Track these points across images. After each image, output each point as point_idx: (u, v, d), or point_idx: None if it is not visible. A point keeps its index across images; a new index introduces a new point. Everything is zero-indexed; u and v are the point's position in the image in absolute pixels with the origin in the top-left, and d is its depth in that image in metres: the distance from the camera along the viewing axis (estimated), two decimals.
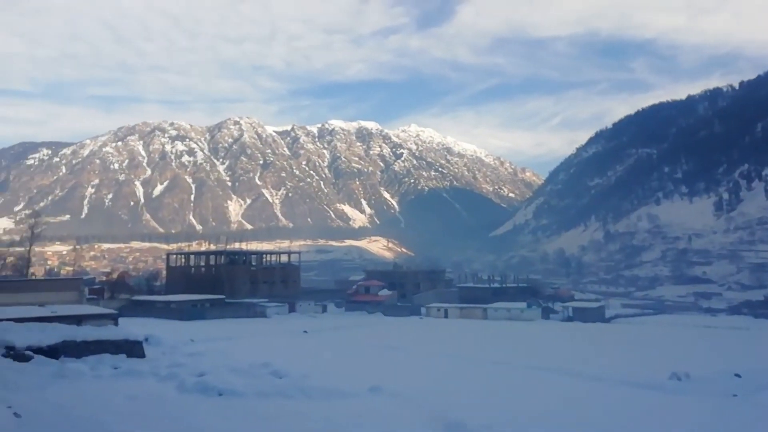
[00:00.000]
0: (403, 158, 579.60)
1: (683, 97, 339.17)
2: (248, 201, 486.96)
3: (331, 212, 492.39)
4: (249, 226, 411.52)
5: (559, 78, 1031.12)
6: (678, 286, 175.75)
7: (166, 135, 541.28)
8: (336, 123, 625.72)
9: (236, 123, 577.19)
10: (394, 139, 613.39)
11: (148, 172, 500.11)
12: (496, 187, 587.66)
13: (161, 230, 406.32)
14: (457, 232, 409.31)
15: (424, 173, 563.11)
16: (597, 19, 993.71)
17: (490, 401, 15.02)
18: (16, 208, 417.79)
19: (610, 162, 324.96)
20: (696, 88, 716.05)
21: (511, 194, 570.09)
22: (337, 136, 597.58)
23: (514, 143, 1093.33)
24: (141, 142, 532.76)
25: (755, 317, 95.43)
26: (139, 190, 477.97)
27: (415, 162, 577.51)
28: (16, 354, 15.87)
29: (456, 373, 21.71)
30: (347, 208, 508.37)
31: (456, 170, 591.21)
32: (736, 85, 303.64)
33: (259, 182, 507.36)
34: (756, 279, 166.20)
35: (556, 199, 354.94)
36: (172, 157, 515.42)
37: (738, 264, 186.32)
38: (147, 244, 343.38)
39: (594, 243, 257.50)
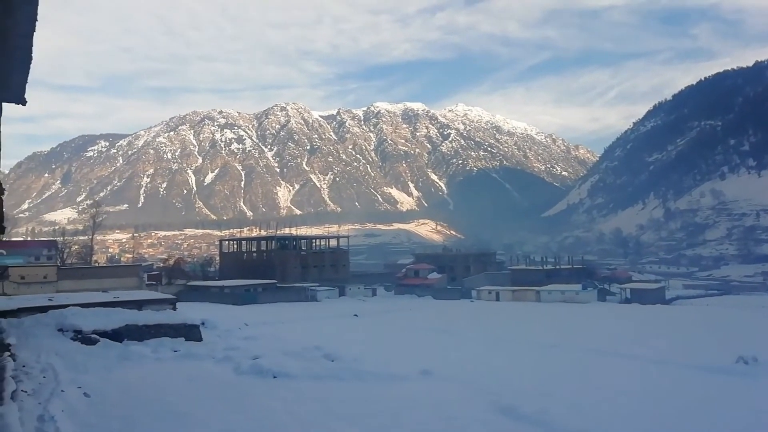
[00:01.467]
0: (450, 139, 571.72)
1: (750, 63, 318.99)
2: (296, 186, 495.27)
3: (378, 196, 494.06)
4: (298, 212, 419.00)
5: (615, 49, 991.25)
6: (745, 265, 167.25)
7: (216, 123, 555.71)
8: (381, 105, 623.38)
9: (283, 109, 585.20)
10: (441, 119, 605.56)
11: (200, 160, 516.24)
12: (549, 165, 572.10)
13: (213, 217, 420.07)
14: (507, 213, 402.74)
15: (472, 153, 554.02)
16: None
17: (545, 385, 14.66)
18: (78, 199, 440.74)
19: (670, 136, 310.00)
20: (765, 54, 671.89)
21: (564, 173, 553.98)
22: (383, 119, 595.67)
23: (567, 119, 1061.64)
24: (192, 131, 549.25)
25: None
26: (192, 179, 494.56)
27: (463, 142, 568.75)
28: (83, 337, 16.72)
29: (509, 356, 21.38)
30: (395, 192, 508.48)
31: (506, 149, 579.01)
32: None
33: (306, 168, 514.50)
34: None
35: (612, 176, 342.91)
36: (222, 145, 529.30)
37: None
38: (200, 231, 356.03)
39: (653, 221, 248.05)
